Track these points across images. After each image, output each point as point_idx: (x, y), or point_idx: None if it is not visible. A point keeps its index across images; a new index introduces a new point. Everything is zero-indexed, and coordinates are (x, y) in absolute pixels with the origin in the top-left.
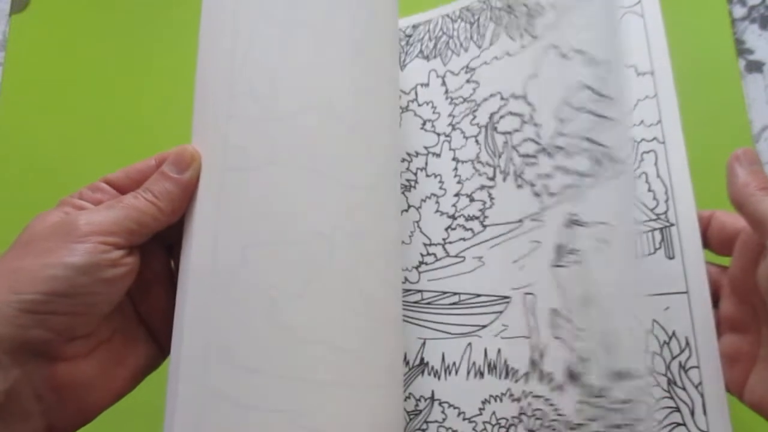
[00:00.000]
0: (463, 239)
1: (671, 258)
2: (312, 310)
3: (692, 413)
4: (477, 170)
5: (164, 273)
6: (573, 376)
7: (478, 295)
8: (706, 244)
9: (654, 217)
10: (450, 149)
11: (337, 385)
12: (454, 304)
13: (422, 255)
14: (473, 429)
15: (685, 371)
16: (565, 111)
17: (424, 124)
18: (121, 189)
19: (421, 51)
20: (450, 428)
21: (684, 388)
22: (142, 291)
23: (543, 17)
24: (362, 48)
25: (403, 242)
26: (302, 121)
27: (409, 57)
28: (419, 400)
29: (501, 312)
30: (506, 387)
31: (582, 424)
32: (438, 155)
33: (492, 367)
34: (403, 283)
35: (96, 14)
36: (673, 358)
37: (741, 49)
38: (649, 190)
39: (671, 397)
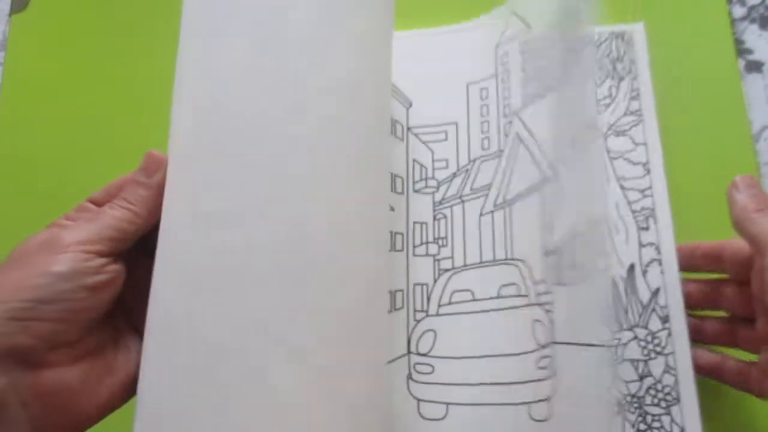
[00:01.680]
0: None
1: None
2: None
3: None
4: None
5: None
6: None
7: None
8: (723, 270)
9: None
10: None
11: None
12: None
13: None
14: None
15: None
16: None
17: None
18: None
19: None
20: None
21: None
22: (135, 301)
23: None
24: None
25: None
26: (272, 127)
27: None
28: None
29: None
30: None
31: None
32: None
33: None
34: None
35: (96, 14)
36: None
37: (741, 49)
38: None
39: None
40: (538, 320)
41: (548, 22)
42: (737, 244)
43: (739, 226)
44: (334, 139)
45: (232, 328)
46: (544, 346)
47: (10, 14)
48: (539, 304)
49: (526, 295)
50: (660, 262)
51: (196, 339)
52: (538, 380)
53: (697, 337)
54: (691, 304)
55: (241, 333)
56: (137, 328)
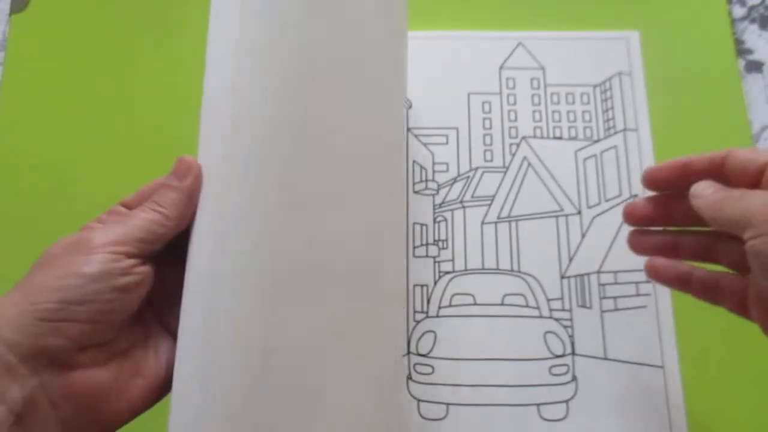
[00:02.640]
0: None
1: None
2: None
3: None
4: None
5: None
6: None
7: None
8: (725, 183)
9: None
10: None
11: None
12: None
13: None
14: None
15: None
16: None
17: None
18: None
19: None
20: None
21: None
22: (165, 303)
23: None
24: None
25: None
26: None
27: None
28: None
29: None
30: None
31: None
32: None
33: None
34: None
35: (96, 14)
36: None
37: (741, 49)
38: None
39: None
40: (551, 332)
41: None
42: (742, 154)
43: (714, 213)
44: (368, 145)
45: (268, 331)
46: (559, 356)
47: (10, 14)
48: (554, 319)
49: (536, 307)
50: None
51: (230, 340)
52: (551, 384)
53: (671, 255)
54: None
55: (277, 334)
56: (167, 329)
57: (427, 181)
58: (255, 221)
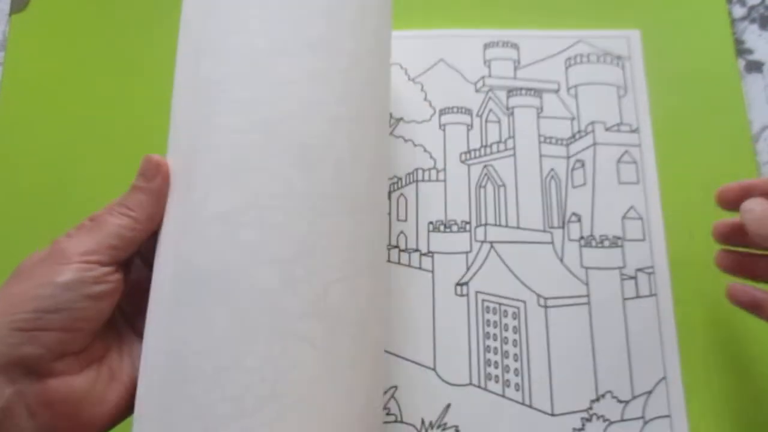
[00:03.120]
0: None
1: None
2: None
3: None
4: None
5: None
6: None
7: None
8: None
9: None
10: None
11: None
12: None
13: None
14: None
15: None
16: None
17: None
18: None
19: None
20: None
21: None
22: (134, 306)
23: None
24: (354, 58)
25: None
26: (282, 130)
27: None
28: None
29: None
30: None
31: None
32: None
33: None
34: None
35: (96, 14)
36: None
37: (741, 49)
38: None
39: None
40: None
41: None
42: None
43: (760, 233)
44: (346, 138)
45: (229, 333)
46: None
47: (10, 14)
48: None
49: None
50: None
51: (191, 343)
52: None
53: (749, 276)
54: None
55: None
56: (139, 333)
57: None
58: (221, 222)
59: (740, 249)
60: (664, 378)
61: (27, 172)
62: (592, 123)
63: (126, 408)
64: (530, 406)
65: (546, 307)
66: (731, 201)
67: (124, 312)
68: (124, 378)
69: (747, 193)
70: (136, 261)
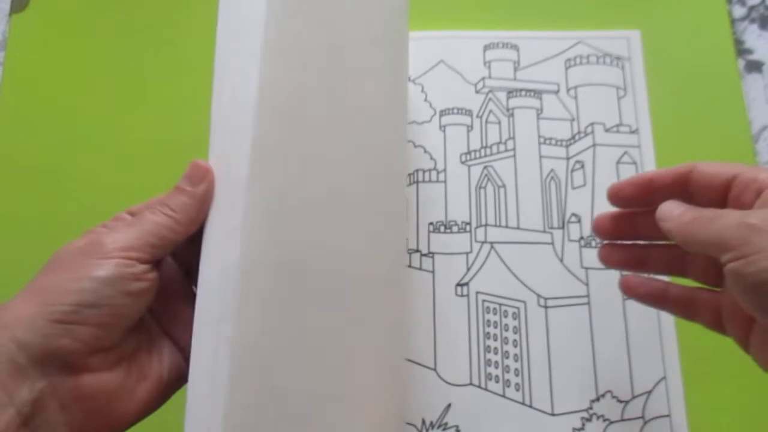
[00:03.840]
0: None
1: None
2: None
3: None
4: None
5: (183, 289)
6: None
7: None
8: (690, 198)
9: None
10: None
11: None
12: None
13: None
14: None
15: None
16: None
17: None
18: None
19: None
20: None
21: None
22: (164, 305)
23: None
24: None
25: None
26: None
27: None
28: None
29: None
30: None
31: None
32: None
33: None
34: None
35: (96, 14)
36: None
37: (740, 49)
38: None
39: None
40: None
41: None
42: (709, 170)
43: (689, 241)
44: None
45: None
46: None
47: (10, 14)
48: None
49: None
50: None
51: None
52: None
53: (640, 268)
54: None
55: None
56: (167, 333)
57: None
58: (263, 231)
59: (626, 242)
60: (664, 378)
61: (27, 172)
62: (592, 124)
63: (153, 404)
64: (530, 406)
65: (546, 307)
66: (629, 198)
67: (153, 310)
68: (152, 375)
69: (646, 190)
70: (167, 259)
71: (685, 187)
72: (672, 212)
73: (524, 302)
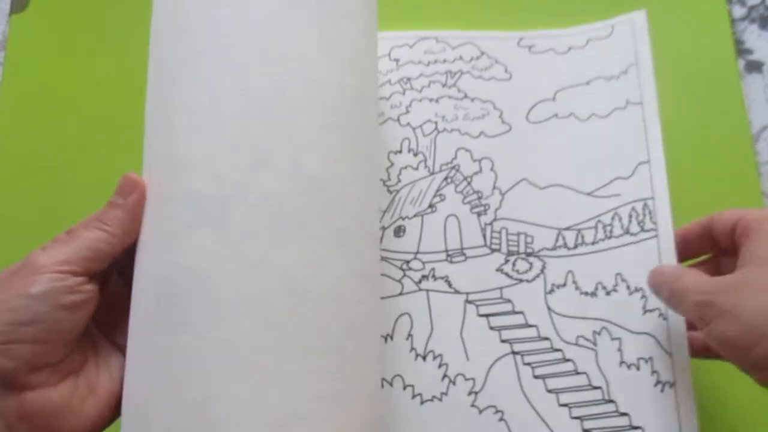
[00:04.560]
0: None
1: None
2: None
3: None
4: None
5: (129, 302)
6: None
7: None
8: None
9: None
10: None
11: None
12: None
13: None
14: None
15: None
16: None
17: None
18: None
19: None
20: None
21: None
22: (112, 319)
23: None
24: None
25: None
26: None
27: None
28: None
29: None
30: None
31: None
32: None
33: None
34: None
35: (96, 14)
36: None
37: (740, 49)
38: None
39: None
40: None
41: None
42: (725, 215)
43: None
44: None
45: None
46: None
47: (10, 14)
48: None
49: None
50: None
51: (179, 352)
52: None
53: None
54: None
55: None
56: (117, 346)
57: None
58: (197, 238)
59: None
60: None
61: (27, 171)
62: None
63: (104, 419)
64: None
65: None
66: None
67: (101, 325)
68: (101, 390)
69: (686, 246)
70: (113, 274)
71: (711, 234)
72: (659, 278)
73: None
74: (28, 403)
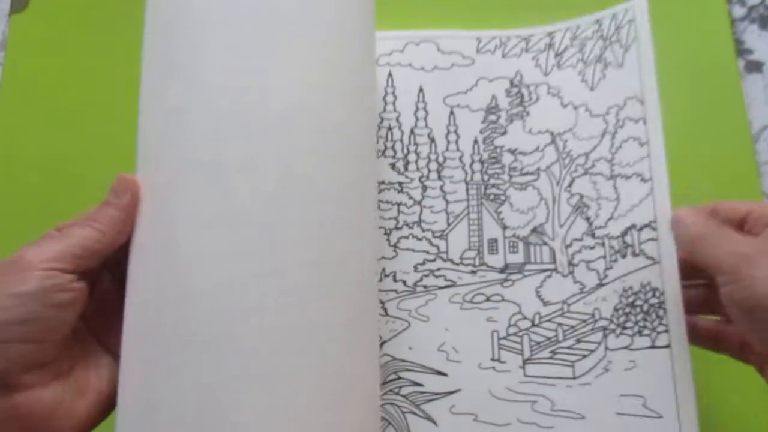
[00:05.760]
0: None
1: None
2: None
3: None
4: None
5: (119, 302)
6: None
7: None
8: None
9: None
10: None
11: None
12: None
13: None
14: None
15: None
16: None
17: None
18: None
19: None
20: None
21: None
22: (102, 319)
23: None
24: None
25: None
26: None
27: None
28: None
29: None
30: None
31: None
32: None
33: None
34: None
35: (96, 14)
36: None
37: (740, 49)
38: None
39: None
40: None
41: None
42: (725, 204)
43: (691, 255)
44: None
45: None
46: None
47: (10, 14)
48: None
49: None
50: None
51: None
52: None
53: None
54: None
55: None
56: (106, 347)
57: None
58: (193, 239)
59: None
60: None
61: (27, 171)
62: None
63: (94, 419)
64: None
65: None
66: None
67: (91, 325)
68: (91, 390)
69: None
70: (104, 274)
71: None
72: (686, 219)
73: None
74: (19, 403)
